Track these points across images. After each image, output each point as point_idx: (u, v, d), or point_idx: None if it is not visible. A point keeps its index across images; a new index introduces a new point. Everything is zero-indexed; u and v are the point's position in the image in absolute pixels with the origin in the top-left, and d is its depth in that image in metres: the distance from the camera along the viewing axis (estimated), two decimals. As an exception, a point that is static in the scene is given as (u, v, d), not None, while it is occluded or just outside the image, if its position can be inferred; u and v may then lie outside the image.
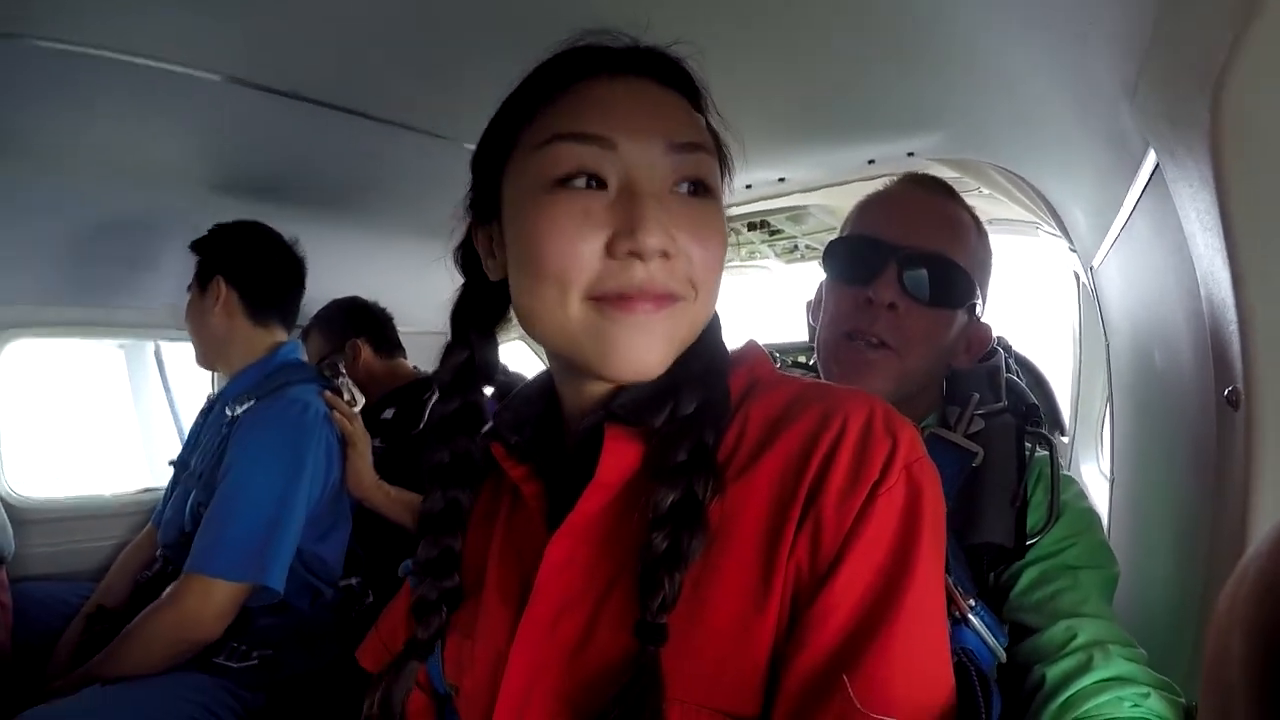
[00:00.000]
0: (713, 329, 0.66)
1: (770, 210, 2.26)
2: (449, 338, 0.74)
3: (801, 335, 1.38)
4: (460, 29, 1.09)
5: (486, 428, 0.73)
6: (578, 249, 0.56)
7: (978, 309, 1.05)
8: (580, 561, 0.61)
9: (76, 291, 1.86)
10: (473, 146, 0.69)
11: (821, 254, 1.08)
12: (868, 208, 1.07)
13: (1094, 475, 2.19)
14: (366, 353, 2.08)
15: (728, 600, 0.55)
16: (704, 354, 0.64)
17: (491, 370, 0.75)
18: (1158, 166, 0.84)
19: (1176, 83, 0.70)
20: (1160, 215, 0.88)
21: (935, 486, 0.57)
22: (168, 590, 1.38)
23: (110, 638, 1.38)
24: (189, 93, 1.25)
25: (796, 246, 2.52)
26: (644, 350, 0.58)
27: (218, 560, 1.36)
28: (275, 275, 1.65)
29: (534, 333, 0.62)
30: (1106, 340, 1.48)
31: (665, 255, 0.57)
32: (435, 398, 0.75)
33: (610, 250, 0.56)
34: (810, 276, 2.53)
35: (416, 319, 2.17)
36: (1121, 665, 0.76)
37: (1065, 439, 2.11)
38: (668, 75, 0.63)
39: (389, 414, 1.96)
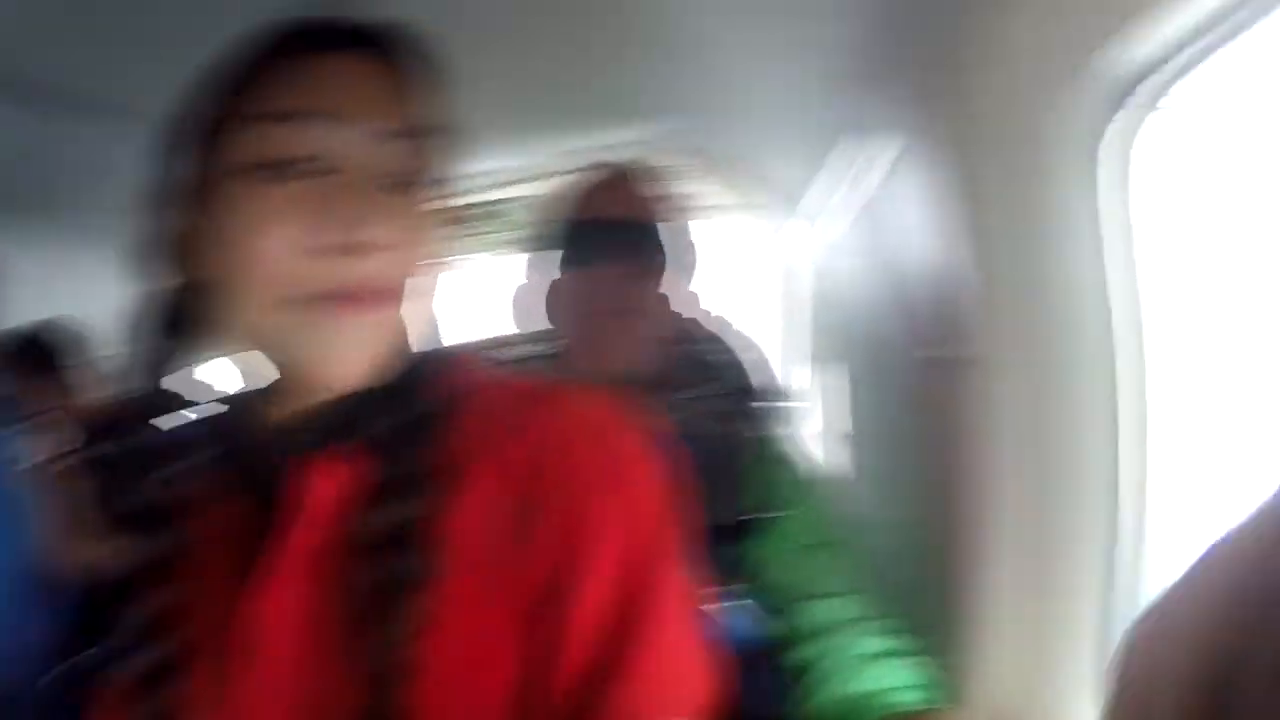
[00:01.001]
0: (423, 332, 0.60)
1: (482, 202, 2.20)
2: (130, 353, 0.61)
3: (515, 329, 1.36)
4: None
5: (178, 458, 0.61)
6: (278, 244, 0.49)
7: (693, 284, 1.11)
8: (295, 608, 0.54)
9: None
10: (157, 128, 0.57)
11: (543, 243, 1.09)
12: (583, 192, 1.08)
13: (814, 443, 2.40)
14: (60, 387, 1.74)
15: (463, 625, 0.51)
16: (414, 359, 0.58)
17: (177, 394, 0.63)
18: (895, 148, 0.90)
19: (919, 65, 0.75)
20: (896, 194, 0.95)
21: (669, 478, 0.56)
22: None
23: None
24: None
25: (507, 238, 2.48)
26: (353, 356, 0.52)
27: None
28: None
29: (228, 338, 0.55)
30: (829, 315, 1.60)
31: (375, 250, 0.50)
32: (112, 427, 0.61)
33: (315, 245, 0.49)
34: (521, 269, 2.48)
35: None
36: (873, 641, 0.80)
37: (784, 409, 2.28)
38: (387, 54, 0.55)
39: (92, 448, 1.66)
